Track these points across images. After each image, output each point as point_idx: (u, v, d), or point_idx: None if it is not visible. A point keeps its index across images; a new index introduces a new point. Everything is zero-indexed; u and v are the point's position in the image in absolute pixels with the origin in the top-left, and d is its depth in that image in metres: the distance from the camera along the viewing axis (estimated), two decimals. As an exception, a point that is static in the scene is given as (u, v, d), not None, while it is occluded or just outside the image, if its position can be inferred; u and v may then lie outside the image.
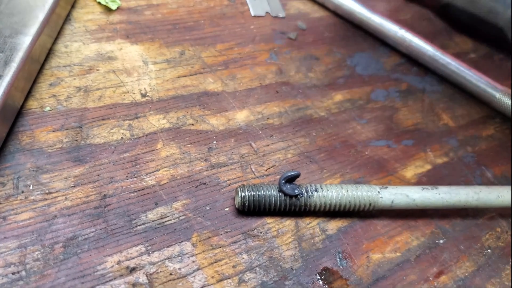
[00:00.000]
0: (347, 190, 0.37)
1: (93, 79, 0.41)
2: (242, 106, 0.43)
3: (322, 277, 0.35)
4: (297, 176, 0.36)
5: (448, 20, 0.60)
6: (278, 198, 0.36)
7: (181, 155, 0.38)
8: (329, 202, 0.37)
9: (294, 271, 0.34)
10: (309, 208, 0.37)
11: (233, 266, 0.34)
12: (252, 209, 0.36)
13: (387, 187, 0.38)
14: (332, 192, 0.37)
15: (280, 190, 0.36)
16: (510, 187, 0.41)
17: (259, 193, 0.36)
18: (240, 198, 0.36)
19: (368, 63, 0.52)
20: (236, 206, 0.36)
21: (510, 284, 0.38)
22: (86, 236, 0.32)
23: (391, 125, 0.46)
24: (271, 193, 0.36)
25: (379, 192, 0.38)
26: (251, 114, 0.43)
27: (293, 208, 0.36)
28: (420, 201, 0.38)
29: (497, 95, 0.50)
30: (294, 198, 0.36)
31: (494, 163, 0.47)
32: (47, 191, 0.34)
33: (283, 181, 0.36)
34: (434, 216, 0.41)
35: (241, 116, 0.43)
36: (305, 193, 0.36)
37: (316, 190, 0.37)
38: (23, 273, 0.30)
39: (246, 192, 0.36)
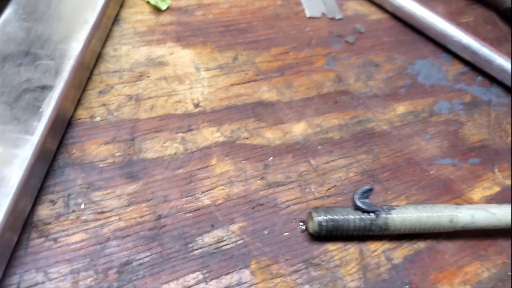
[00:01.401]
0: (424, 207, 0.35)
1: (144, 87, 0.39)
2: (299, 117, 0.41)
3: (389, 312, 0.32)
4: (371, 190, 0.34)
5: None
6: (357, 219, 0.34)
7: (236, 172, 0.36)
8: (409, 219, 0.34)
9: (359, 305, 0.32)
10: (389, 228, 0.34)
11: (295, 298, 0.31)
12: (329, 233, 0.34)
13: (463, 205, 0.36)
14: (410, 210, 0.35)
15: (356, 207, 0.34)
16: None
17: (336, 215, 0.33)
18: (316, 222, 0.33)
19: (430, 72, 0.48)
20: (310, 231, 0.34)
21: None
22: (141, 261, 0.30)
23: (456, 141, 0.43)
24: (348, 214, 0.34)
25: (456, 208, 0.35)
26: (309, 127, 0.40)
27: (373, 229, 0.34)
28: (501, 214, 0.36)
29: None
30: (372, 215, 0.34)
31: None
32: (99, 211, 0.32)
33: (357, 196, 0.34)
34: (505, 244, 0.38)
35: (298, 129, 0.40)
36: (382, 212, 0.34)
37: (392, 208, 0.34)
38: (76, 302, 0.28)
39: (322, 216, 0.33)
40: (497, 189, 0.41)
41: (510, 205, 0.37)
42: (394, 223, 0.34)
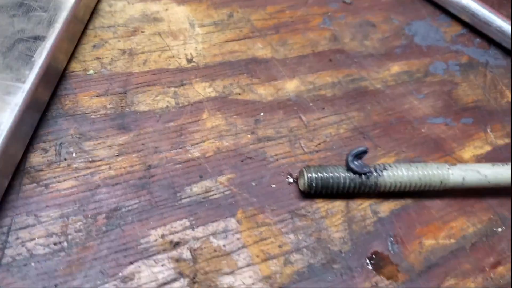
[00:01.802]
0: (416, 168, 0.35)
1: (138, 42, 0.39)
2: (292, 75, 0.41)
3: (372, 261, 0.33)
4: (365, 152, 0.34)
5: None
6: (347, 179, 0.34)
7: (227, 127, 0.37)
8: (400, 180, 0.35)
9: (343, 254, 0.33)
10: (379, 188, 0.35)
11: (279, 246, 0.32)
12: (319, 191, 0.34)
13: (456, 164, 0.36)
14: (402, 170, 0.35)
15: (349, 168, 0.34)
16: None
17: (327, 174, 0.34)
18: (306, 180, 0.34)
19: (427, 33, 0.48)
20: (301, 188, 0.34)
21: None
22: (129, 208, 0.31)
23: (450, 101, 0.43)
24: (339, 173, 0.34)
25: (449, 169, 0.35)
26: (301, 84, 0.41)
27: (363, 189, 0.34)
28: (493, 177, 0.36)
29: None
30: (363, 176, 0.34)
31: None
32: (90, 159, 0.33)
33: (351, 158, 0.34)
34: (492, 201, 0.38)
35: (291, 86, 0.40)
36: (374, 172, 0.34)
37: (385, 169, 0.35)
38: (65, 244, 0.29)
39: (313, 173, 0.34)
40: (488, 148, 0.41)
41: (502, 165, 0.37)
42: (385, 184, 0.35)
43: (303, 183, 0.34)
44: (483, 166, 0.36)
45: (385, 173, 0.34)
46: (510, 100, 0.45)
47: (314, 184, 0.34)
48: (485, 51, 0.49)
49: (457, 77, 0.45)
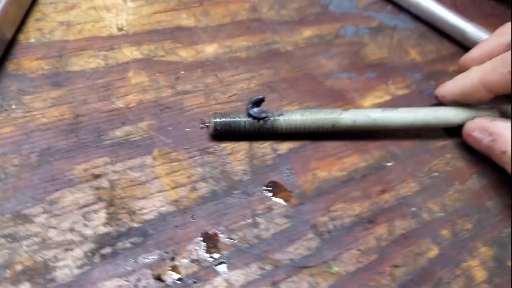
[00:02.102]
0: (310, 113, 0.41)
1: (75, 15, 0.46)
2: (212, 40, 0.47)
3: (269, 189, 0.39)
4: (262, 100, 0.40)
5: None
6: (247, 123, 0.40)
7: (150, 83, 0.43)
8: (294, 123, 0.40)
9: (243, 183, 0.39)
10: (275, 131, 0.40)
11: (188, 177, 0.38)
12: (224, 134, 0.40)
13: (349, 109, 0.42)
14: (296, 115, 0.40)
15: (248, 114, 0.40)
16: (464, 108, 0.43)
17: (229, 119, 0.40)
18: (212, 124, 0.39)
19: (342, 1, 0.54)
20: (210, 131, 0.40)
21: (450, 203, 0.42)
22: (58, 148, 0.37)
23: (356, 59, 0.49)
24: (240, 118, 0.40)
25: (341, 113, 0.41)
26: (219, 48, 0.46)
27: (262, 131, 0.40)
28: (381, 120, 0.41)
29: (468, 29, 0.51)
30: (261, 121, 0.40)
31: (455, 96, 0.49)
32: (27, 110, 0.39)
33: (250, 106, 0.40)
34: (386, 141, 0.44)
35: (210, 49, 0.46)
36: (272, 117, 0.40)
37: (281, 114, 0.40)
38: (2, 175, 0.35)
39: (218, 118, 0.40)
40: (387, 98, 0.47)
41: (391, 110, 0.42)
42: (281, 127, 0.40)
43: (210, 126, 0.40)
44: (373, 111, 0.42)
45: (281, 117, 0.40)
46: (413, 57, 0.51)
47: (218, 128, 0.40)
48: (395, 16, 0.55)
49: (365, 39, 0.51)
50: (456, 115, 0.43)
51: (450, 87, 0.44)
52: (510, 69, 0.38)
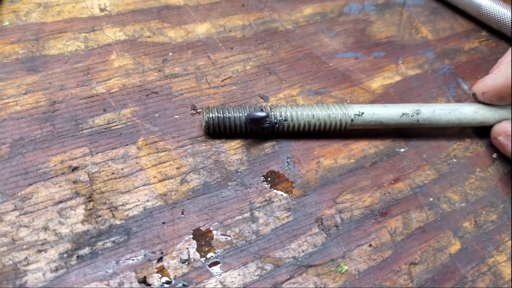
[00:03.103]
0: (318, 119, 0.36)
1: (54, -4, 0.42)
2: (204, 19, 0.43)
3: (268, 179, 0.35)
4: (266, 117, 0.35)
5: None
6: (248, 128, 0.35)
7: (134, 66, 0.39)
8: (299, 128, 0.36)
9: (239, 173, 0.35)
10: (278, 133, 0.36)
11: (177, 168, 0.34)
12: (217, 132, 0.36)
13: (363, 113, 0.36)
14: (304, 120, 0.36)
15: (248, 129, 0.35)
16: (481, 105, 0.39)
17: (225, 114, 0.35)
18: (205, 120, 0.35)
19: (346, -23, 0.50)
20: (203, 128, 0.36)
21: (472, 192, 0.37)
22: (32, 138, 0.33)
23: (362, 38, 0.45)
24: (238, 113, 0.35)
25: (352, 120, 0.36)
26: (212, 27, 0.42)
27: (261, 132, 0.36)
28: (395, 124, 0.37)
29: (484, 3, 0.47)
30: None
31: (472, 76, 0.44)
32: (-2, 97, 0.35)
33: (248, 121, 0.35)
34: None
35: (201, 29, 0.42)
36: (274, 123, 0.35)
37: (285, 120, 0.35)
38: (-32, 169, 0.31)
39: (211, 114, 0.35)
40: (398, 78, 0.43)
41: (412, 116, 0.37)
42: (284, 131, 0.36)
43: (203, 123, 0.35)
44: (389, 111, 0.37)
45: (285, 123, 0.36)
46: (424, 35, 0.47)
47: (212, 127, 0.35)
48: (404, -8, 0.50)
49: (372, 16, 0.47)
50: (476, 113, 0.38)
51: (492, 82, 0.37)
52: None
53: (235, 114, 0.35)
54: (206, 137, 0.36)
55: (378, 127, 0.37)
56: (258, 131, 0.35)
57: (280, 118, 0.35)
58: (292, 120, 0.36)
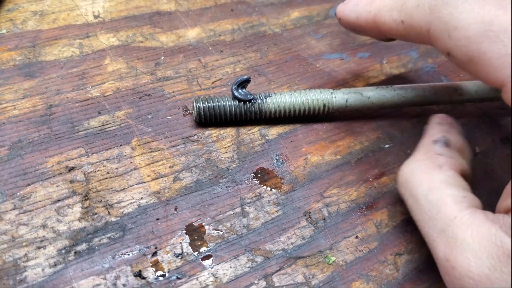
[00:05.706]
0: (300, 94, 0.38)
1: (49, 4, 0.43)
2: (194, 24, 0.44)
3: (258, 175, 0.36)
4: (248, 80, 0.37)
5: None
6: (233, 107, 0.37)
7: (127, 70, 0.40)
8: (283, 105, 0.38)
9: (230, 171, 0.36)
10: (263, 115, 0.38)
11: (170, 167, 0.35)
12: (208, 120, 0.37)
13: (340, 89, 0.39)
14: (285, 96, 0.38)
15: (234, 97, 0.37)
16: (466, 83, 0.40)
17: (214, 103, 0.37)
18: (195, 109, 0.37)
19: (331, -19, 0.51)
20: (194, 117, 0.37)
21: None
22: (30, 140, 0.35)
23: (348, 39, 0.46)
24: (226, 102, 0.37)
25: (332, 93, 0.38)
26: (202, 32, 0.44)
27: (248, 116, 0.37)
28: (376, 98, 0.39)
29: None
30: (248, 103, 0.37)
31: (454, 74, 0.46)
32: (-4, 102, 0.36)
33: (235, 87, 0.37)
34: (382, 122, 0.41)
35: (192, 34, 0.44)
36: (259, 99, 0.37)
37: (269, 96, 0.38)
38: (-31, 170, 0.33)
39: (201, 103, 0.37)
40: (382, 78, 0.44)
41: (386, 87, 0.39)
42: (269, 109, 0.38)
43: (193, 112, 0.37)
44: (366, 89, 0.39)
45: (268, 99, 0.38)
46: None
47: (202, 113, 0.37)
48: (388, -5, 0.52)
49: (357, 19, 0.48)
50: (456, 90, 0.40)
51: (348, 11, 0.36)
52: (404, 19, 0.33)
53: (223, 101, 0.37)
54: (198, 136, 0.37)
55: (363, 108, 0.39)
56: (245, 103, 0.37)
57: (263, 95, 0.37)
58: (275, 94, 0.37)
